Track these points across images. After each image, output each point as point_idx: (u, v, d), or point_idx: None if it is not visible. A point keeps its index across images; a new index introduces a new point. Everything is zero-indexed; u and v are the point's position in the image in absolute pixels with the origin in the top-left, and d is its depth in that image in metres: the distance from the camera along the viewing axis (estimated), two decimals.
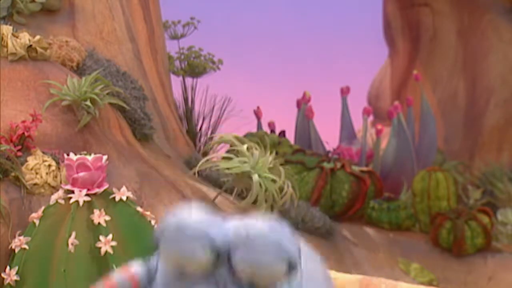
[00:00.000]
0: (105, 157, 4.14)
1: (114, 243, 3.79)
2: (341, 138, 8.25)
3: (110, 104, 5.15)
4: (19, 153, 4.41)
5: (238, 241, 2.17)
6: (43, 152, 4.48)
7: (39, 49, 5.01)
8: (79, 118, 4.81)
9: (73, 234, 3.81)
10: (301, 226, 5.81)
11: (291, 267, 2.18)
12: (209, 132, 7.08)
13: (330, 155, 7.19)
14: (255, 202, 4.96)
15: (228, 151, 5.17)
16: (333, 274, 3.81)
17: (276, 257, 2.15)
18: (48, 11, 5.66)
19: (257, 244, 2.15)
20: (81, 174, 3.99)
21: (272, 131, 7.86)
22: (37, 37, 5.06)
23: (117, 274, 2.25)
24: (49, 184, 4.34)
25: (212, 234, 2.17)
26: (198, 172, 5.18)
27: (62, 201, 3.95)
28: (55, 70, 5.08)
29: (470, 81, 9.29)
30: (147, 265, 2.24)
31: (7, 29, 5.00)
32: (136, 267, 2.25)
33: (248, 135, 6.98)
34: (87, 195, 3.93)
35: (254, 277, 2.14)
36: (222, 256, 2.16)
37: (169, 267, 2.21)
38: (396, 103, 7.87)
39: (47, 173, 4.36)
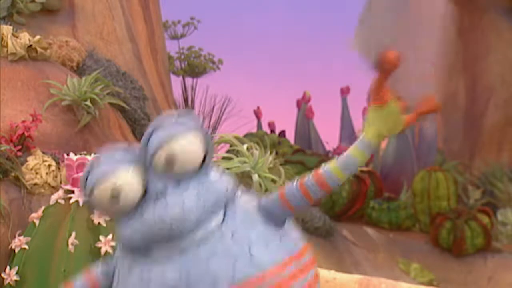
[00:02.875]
0: None
1: (114, 243, 3.79)
2: (341, 138, 8.25)
3: (110, 104, 5.15)
4: (19, 153, 4.40)
5: (155, 125, 2.19)
6: (43, 152, 4.48)
7: (39, 49, 5.01)
8: (79, 118, 4.81)
9: (73, 234, 3.81)
10: (301, 226, 5.81)
11: (207, 154, 2.18)
12: (209, 132, 7.08)
13: (330, 155, 7.19)
14: None
15: (228, 151, 5.16)
16: (333, 274, 3.81)
17: (191, 134, 2.15)
18: (48, 11, 5.66)
19: (172, 123, 2.17)
20: (81, 174, 3.98)
21: (272, 131, 7.87)
22: (37, 37, 5.06)
23: (77, 280, 2.28)
24: (49, 184, 4.34)
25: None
26: None
27: (62, 201, 3.95)
28: (55, 70, 5.08)
29: (470, 81, 9.29)
30: (106, 264, 2.25)
31: (7, 29, 5.00)
32: (95, 268, 2.27)
33: (248, 135, 6.98)
34: None
35: (169, 159, 2.14)
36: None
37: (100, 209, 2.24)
38: None
39: (47, 173, 4.35)
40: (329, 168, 2.22)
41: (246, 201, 2.22)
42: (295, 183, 2.22)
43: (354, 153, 2.23)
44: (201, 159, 2.17)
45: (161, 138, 2.15)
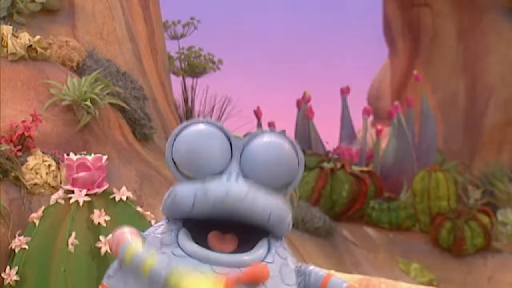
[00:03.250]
0: (105, 157, 4.14)
1: None
2: (341, 138, 8.25)
3: (110, 104, 5.15)
4: (19, 153, 4.40)
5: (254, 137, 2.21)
6: (43, 152, 4.48)
7: (39, 49, 5.01)
8: (79, 118, 4.81)
9: (73, 234, 3.81)
10: (301, 226, 5.81)
11: (297, 174, 2.20)
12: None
13: (330, 155, 7.19)
14: None
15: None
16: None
17: (292, 158, 2.17)
18: (48, 11, 5.66)
19: (275, 143, 2.18)
20: (81, 174, 3.98)
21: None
22: (37, 37, 5.06)
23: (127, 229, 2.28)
24: (49, 184, 4.34)
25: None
26: None
27: (62, 201, 3.95)
28: (55, 70, 5.08)
29: (470, 81, 9.29)
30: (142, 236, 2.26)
31: (7, 29, 4.99)
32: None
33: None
34: (87, 195, 3.93)
35: (267, 172, 2.16)
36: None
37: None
38: (396, 103, 7.88)
39: (47, 173, 4.36)
40: None
41: (289, 254, 2.24)
42: (344, 285, 2.24)
43: None
44: (287, 182, 2.20)
45: (266, 144, 2.19)
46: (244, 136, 2.24)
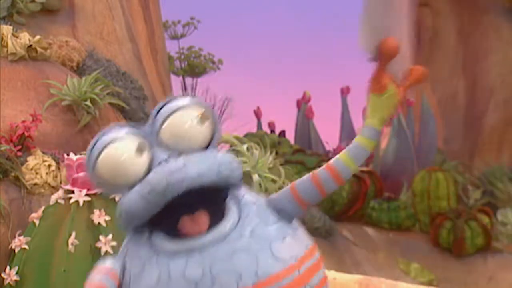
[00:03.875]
0: None
1: (114, 243, 3.79)
2: (341, 138, 8.25)
3: (110, 104, 5.15)
4: (19, 153, 4.40)
5: (167, 99, 2.18)
6: (43, 152, 4.48)
7: (39, 49, 5.01)
8: (79, 118, 4.81)
9: (73, 234, 3.81)
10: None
11: (214, 134, 2.16)
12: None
13: (330, 155, 7.19)
14: None
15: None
16: (333, 274, 3.81)
17: (202, 108, 2.13)
18: (48, 11, 5.66)
19: (184, 98, 2.16)
20: (81, 174, 3.98)
21: (272, 131, 7.87)
22: (37, 37, 5.06)
23: (98, 275, 2.21)
24: (49, 184, 4.34)
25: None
26: None
27: (62, 201, 3.95)
28: (55, 70, 5.08)
29: (470, 81, 9.30)
30: (119, 259, 2.23)
31: (7, 29, 4.99)
32: (110, 263, 2.23)
33: (248, 135, 6.98)
34: (87, 195, 3.93)
35: (175, 131, 2.12)
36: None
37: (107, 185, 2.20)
38: None
39: (47, 173, 4.35)
40: (340, 159, 2.21)
41: (255, 197, 2.22)
42: (307, 176, 2.21)
43: (363, 143, 2.22)
44: (209, 137, 2.16)
45: (171, 107, 2.14)
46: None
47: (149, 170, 2.10)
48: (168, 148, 2.13)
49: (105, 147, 2.16)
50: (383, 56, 2.16)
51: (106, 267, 2.19)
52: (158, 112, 2.16)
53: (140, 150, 2.12)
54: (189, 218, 2.10)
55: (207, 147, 2.16)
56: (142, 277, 2.11)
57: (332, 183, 2.19)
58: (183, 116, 2.13)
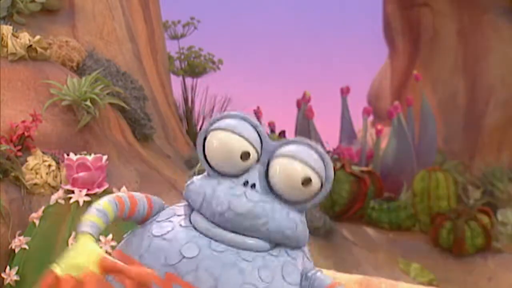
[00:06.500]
0: (105, 157, 4.14)
1: (114, 243, 3.79)
2: (341, 138, 8.25)
3: (110, 104, 5.15)
4: (19, 153, 4.40)
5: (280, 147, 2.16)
6: (43, 152, 4.48)
7: (39, 49, 5.01)
8: (79, 118, 4.81)
9: (73, 234, 3.81)
10: None
11: (323, 186, 2.15)
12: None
13: (330, 155, 7.19)
14: None
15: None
16: (333, 274, 3.81)
17: (315, 169, 2.11)
18: (48, 11, 5.67)
19: (301, 151, 2.13)
20: (81, 174, 3.98)
21: (272, 131, 7.86)
22: (37, 37, 5.06)
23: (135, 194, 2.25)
24: (49, 184, 4.34)
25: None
26: (198, 172, 5.18)
27: (62, 201, 3.95)
28: (55, 70, 5.08)
29: (470, 81, 9.29)
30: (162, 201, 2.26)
31: (7, 29, 4.99)
32: (152, 196, 2.27)
33: None
34: (87, 195, 3.93)
35: (288, 185, 2.11)
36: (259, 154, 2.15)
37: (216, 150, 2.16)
38: (396, 103, 7.87)
39: (47, 173, 4.36)
40: None
41: (303, 261, 2.18)
42: None
43: None
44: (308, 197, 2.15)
45: (298, 150, 2.13)
46: (278, 137, 2.23)
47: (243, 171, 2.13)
48: (266, 179, 2.13)
49: (224, 129, 2.14)
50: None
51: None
52: (284, 138, 2.18)
53: (244, 157, 2.13)
54: None
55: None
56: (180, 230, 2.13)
57: None
58: (298, 170, 2.11)
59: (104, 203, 2.16)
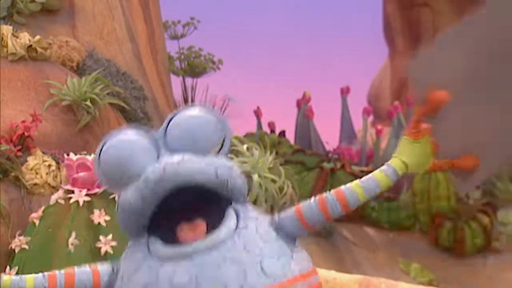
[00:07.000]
0: None
1: (114, 243, 3.79)
2: (341, 138, 8.25)
3: (110, 104, 5.15)
4: (19, 153, 4.40)
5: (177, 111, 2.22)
6: (43, 152, 4.48)
7: (39, 49, 5.01)
8: (79, 118, 4.81)
9: (73, 234, 3.81)
10: None
11: (224, 140, 2.18)
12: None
13: (330, 155, 7.19)
14: (255, 202, 4.97)
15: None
16: (333, 274, 3.81)
17: (208, 120, 2.17)
18: (48, 11, 5.66)
19: (194, 108, 2.20)
20: (81, 174, 3.98)
21: (272, 131, 7.87)
22: (37, 37, 5.06)
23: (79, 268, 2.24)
24: (49, 184, 4.34)
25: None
26: None
27: (62, 201, 3.95)
28: (55, 70, 5.08)
29: None
30: (111, 265, 2.24)
31: (7, 29, 5.00)
32: (100, 265, 2.25)
33: (248, 135, 6.98)
34: (87, 195, 3.93)
35: (188, 133, 2.16)
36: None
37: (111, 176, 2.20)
38: (396, 103, 7.88)
39: (47, 173, 4.36)
40: (351, 186, 2.21)
41: (258, 214, 2.21)
42: (313, 198, 2.22)
43: (378, 177, 2.23)
44: (219, 143, 2.17)
45: (182, 116, 2.17)
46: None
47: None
48: (175, 151, 2.14)
49: (113, 144, 2.18)
50: (430, 106, 2.19)
51: (95, 265, 2.23)
52: (170, 120, 2.20)
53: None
54: (187, 225, 2.11)
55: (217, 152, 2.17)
56: (132, 280, 2.12)
57: (338, 208, 2.20)
58: (192, 120, 2.16)
59: (28, 279, 2.21)
